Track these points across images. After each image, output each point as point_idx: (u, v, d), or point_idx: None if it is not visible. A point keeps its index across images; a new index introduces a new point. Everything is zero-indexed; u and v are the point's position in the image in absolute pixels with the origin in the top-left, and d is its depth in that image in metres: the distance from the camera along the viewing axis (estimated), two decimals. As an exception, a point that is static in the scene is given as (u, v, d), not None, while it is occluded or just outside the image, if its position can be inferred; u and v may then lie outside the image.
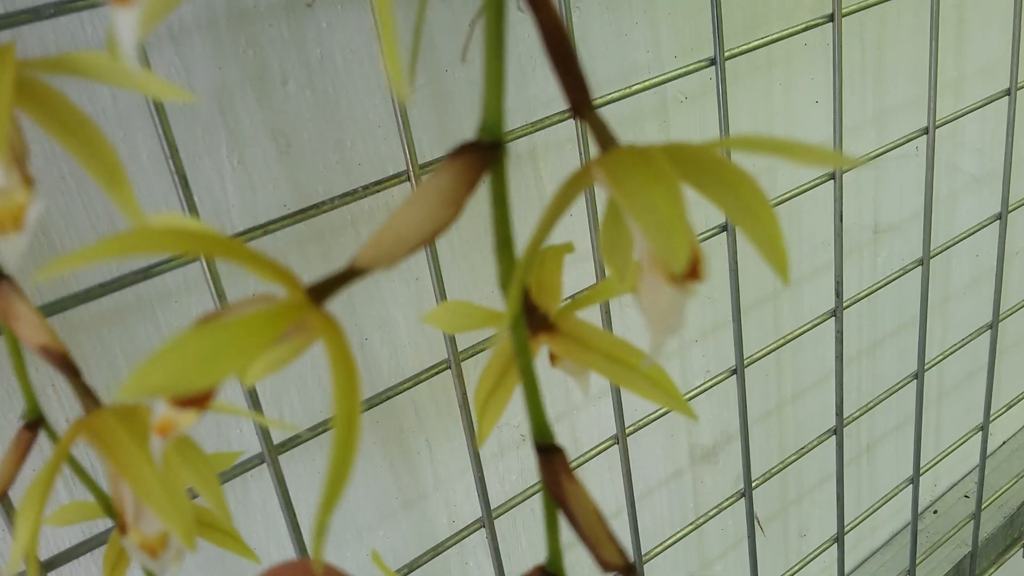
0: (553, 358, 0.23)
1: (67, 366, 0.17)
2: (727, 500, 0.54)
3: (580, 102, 0.15)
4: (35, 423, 0.19)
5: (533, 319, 0.21)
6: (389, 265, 0.14)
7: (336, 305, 0.40)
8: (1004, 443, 0.86)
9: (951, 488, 0.82)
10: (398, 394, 0.38)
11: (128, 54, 0.10)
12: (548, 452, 0.18)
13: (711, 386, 0.50)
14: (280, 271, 0.13)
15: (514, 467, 0.50)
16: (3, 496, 0.19)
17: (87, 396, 0.17)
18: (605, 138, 0.15)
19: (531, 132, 0.38)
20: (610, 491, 0.55)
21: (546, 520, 0.19)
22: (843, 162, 0.13)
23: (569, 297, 0.23)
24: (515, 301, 0.15)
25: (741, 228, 0.14)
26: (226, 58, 0.34)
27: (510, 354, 0.22)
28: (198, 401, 0.13)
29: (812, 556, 0.63)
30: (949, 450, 0.69)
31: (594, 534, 0.17)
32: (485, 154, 0.14)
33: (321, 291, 0.14)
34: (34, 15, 0.26)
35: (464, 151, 0.14)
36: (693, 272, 0.14)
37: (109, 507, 0.23)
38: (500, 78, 0.14)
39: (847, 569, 0.75)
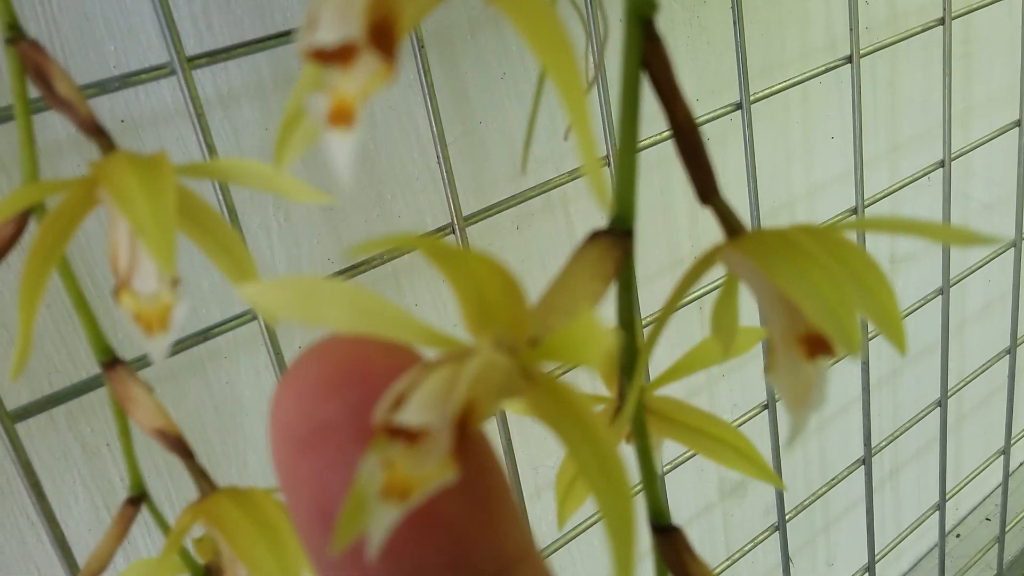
0: (628, 435, 0.23)
1: (182, 449, 0.17)
2: (761, 534, 0.54)
3: (708, 190, 0.16)
4: (138, 499, 0.19)
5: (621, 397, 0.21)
6: (548, 332, 0.14)
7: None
8: (1022, 464, 0.86)
9: (972, 511, 0.82)
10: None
11: (345, 177, 0.10)
12: (666, 532, 0.18)
13: (743, 422, 0.50)
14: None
15: (551, 508, 0.50)
16: (102, 572, 0.19)
17: (202, 478, 0.18)
18: (734, 224, 0.16)
19: (567, 182, 0.39)
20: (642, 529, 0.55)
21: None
22: (979, 240, 0.14)
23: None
24: (638, 386, 0.15)
25: (860, 305, 0.15)
26: (272, 119, 0.35)
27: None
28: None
29: (843, 587, 0.63)
30: (973, 474, 0.69)
31: None
32: (620, 239, 0.15)
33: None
34: (101, 89, 0.27)
35: (599, 236, 0.15)
36: (828, 348, 0.15)
37: (199, 573, 0.23)
38: (633, 169, 0.14)
39: (875, 597, 0.75)
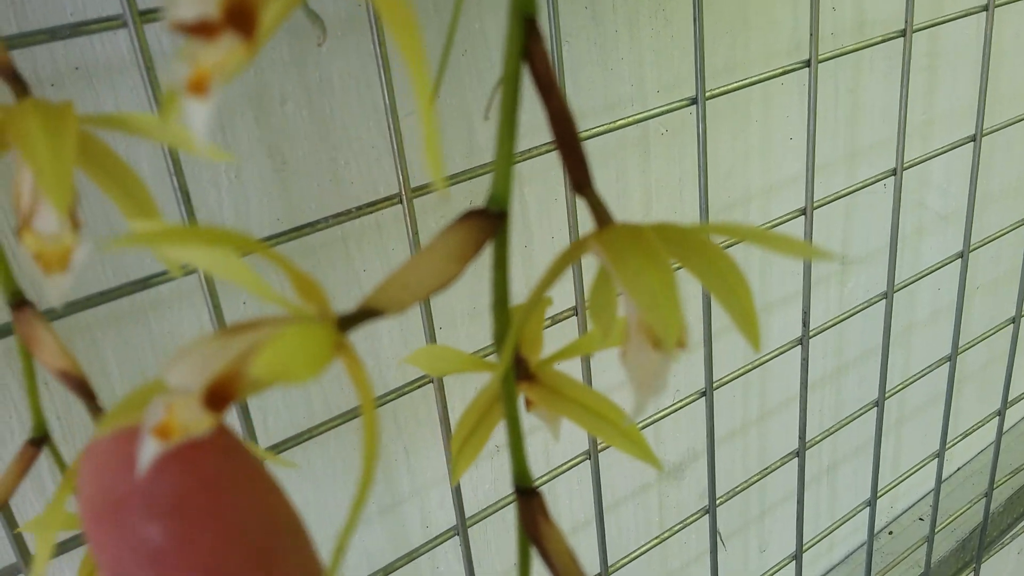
0: (528, 404, 0.24)
1: (84, 391, 0.18)
2: (692, 516, 0.56)
3: (582, 181, 0.17)
4: (40, 440, 0.20)
5: (516, 368, 0.22)
6: (398, 310, 0.16)
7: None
8: (959, 469, 0.89)
9: (906, 511, 0.85)
10: (381, 406, 0.40)
11: (201, 141, 0.11)
12: (527, 495, 0.19)
13: (681, 407, 0.52)
14: (321, 296, 0.15)
15: (487, 476, 0.52)
16: (3, 506, 0.20)
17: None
18: (602, 215, 0.17)
19: (520, 161, 0.40)
20: (579, 503, 0.57)
21: (519, 560, 0.20)
22: (812, 253, 0.15)
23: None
24: (508, 357, 0.17)
25: (719, 300, 0.16)
26: (229, 78, 0.36)
27: (490, 399, 0.23)
28: (224, 401, 0.14)
29: (771, 571, 0.65)
30: (906, 475, 0.72)
31: (566, 571, 0.19)
32: (492, 221, 0.16)
33: (345, 323, 0.15)
34: (51, 35, 0.28)
35: (472, 216, 0.16)
36: (679, 341, 0.16)
37: None
38: (511, 155, 0.15)
39: (804, 586, 0.78)
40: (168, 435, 0.14)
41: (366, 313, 0.16)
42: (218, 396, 0.14)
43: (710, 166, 0.55)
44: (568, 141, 0.16)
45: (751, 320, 0.17)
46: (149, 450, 0.14)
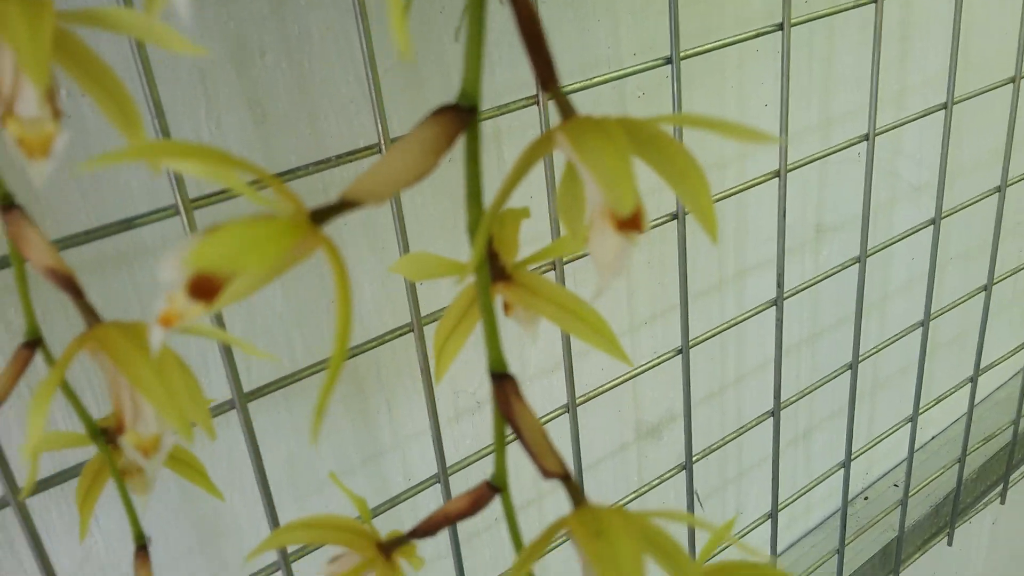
0: (507, 307, 0.26)
1: (71, 286, 0.19)
2: (669, 472, 0.57)
3: (547, 78, 0.18)
4: (33, 343, 0.21)
5: (493, 269, 0.24)
6: (375, 202, 0.17)
7: (307, 269, 0.43)
8: (933, 438, 0.92)
9: (882, 477, 0.88)
10: (362, 352, 0.41)
11: (184, 18, 0.12)
12: (501, 379, 0.21)
13: (658, 363, 0.54)
14: (288, 193, 0.16)
15: (469, 432, 0.53)
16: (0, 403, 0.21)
17: (90, 314, 0.20)
18: (567, 109, 0.18)
19: (497, 115, 0.41)
20: (559, 461, 0.58)
21: (495, 439, 0.22)
22: (763, 139, 0.16)
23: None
24: (481, 246, 0.18)
25: (676, 191, 0.17)
26: (208, 29, 0.36)
27: (469, 300, 0.25)
28: (209, 293, 0.15)
29: (747, 531, 0.67)
30: (880, 437, 0.74)
31: (538, 447, 0.20)
32: (463, 115, 0.17)
33: (320, 216, 0.17)
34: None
35: (444, 112, 0.17)
36: (636, 224, 0.17)
37: (93, 429, 0.25)
38: (479, 52, 0.17)
39: (780, 548, 0.80)
40: (169, 323, 0.15)
41: (343, 205, 0.18)
42: (202, 288, 0.16)
43: (685, 130, 0.56)
44: (535, 42, 0.17)
45: (707, 211, 0.18)
46: (157, 336, 0.15)
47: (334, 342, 0.17)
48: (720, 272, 0.63)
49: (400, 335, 0.41)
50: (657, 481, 0.57)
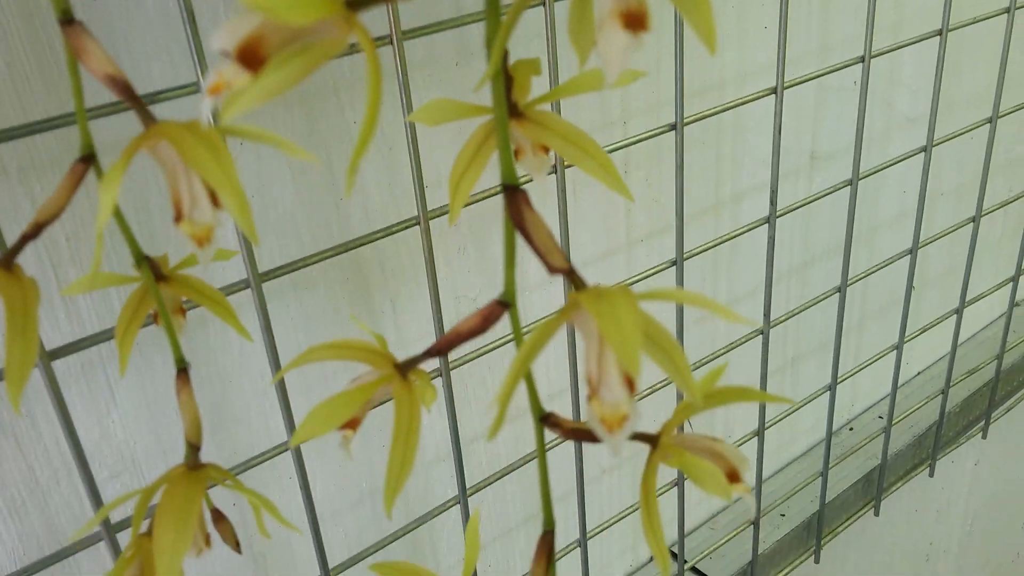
0: (518, 153, 0.27)
1: (128, 92, 0.21)
2: (660, 382, 0.60)
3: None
4: (88, 157, 0.23)
5: (507, 106, 0.25)
6: None
7: (315, 168, 0.44)
8: (919, 373, 0.94)
9: (866, 410, 0.90)
10: (370, 242, 0.42)
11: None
12: (513, 191, 0.22)
13: (653, 274, 0.55)
14: None
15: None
16: (55, 219, 0.23)
17: (147, 116, 0.21)
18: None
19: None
20: (555, 370, 0.60)
21: (505, 252, 0.23)
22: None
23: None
24: (498, 54, 0.19)
25: (682, 10, 0.19)
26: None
27: (483, 136, 0.26)
28: (255, 62, 0.17)
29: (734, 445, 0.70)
30: (867, 363, 0.76)
31: (546, 248, 0.22)
32: None
33: (358, 2, 0.18)
34: None
35: None
36: (642, 22, 0.19)
37: (139, 254, 0.27)
38: None
39: (766, 473, 0.83)
40: (217, 91, 0.17)
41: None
42: (250, 55, 0.17)
43: (686, 50, 0.57)
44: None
45: (707, 20, 0.19)
46: (206, 106, 0.18)
47: (366, 110, 0.18)
48: (716, 194, 0.65)
49: (407, 227, 0.43)
50: (649, 391, 0.60)
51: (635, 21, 0.18)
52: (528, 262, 0.56)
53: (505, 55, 0.24)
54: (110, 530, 0.37)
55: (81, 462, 0.35)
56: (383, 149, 0.46)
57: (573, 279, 0.22)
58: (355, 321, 0.28)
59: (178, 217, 0.20)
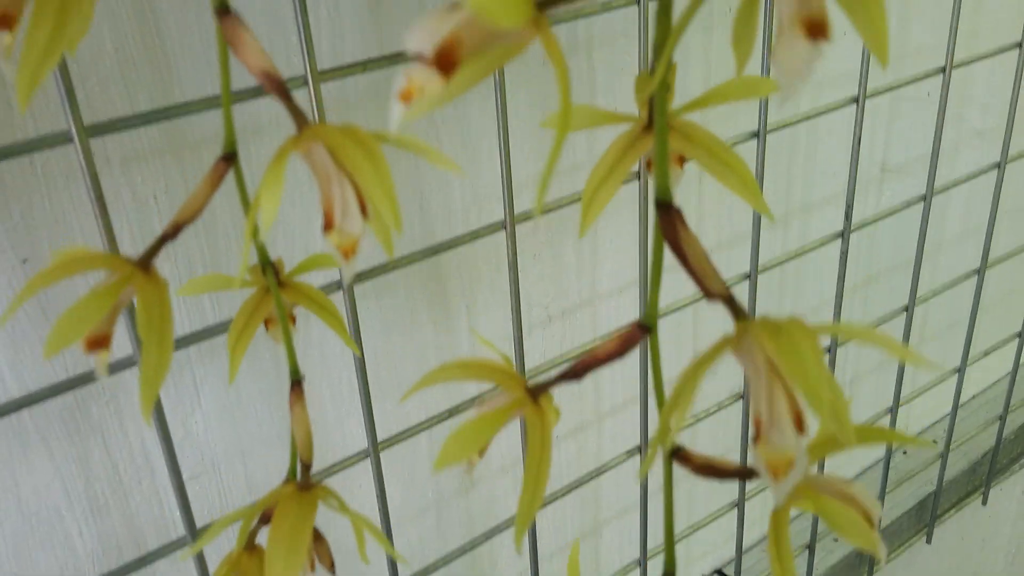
0: (649, 163, 0.26)
1: (282, 90, 0.20)
2: (726, 400, 0.58)
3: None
4: (230, 156, 0.22)
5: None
6: None
7: (400, 163, 0.43)
8: (974, 397, 0.92)
9: (922, 432, 0.88)
10: (456, 246, 0.41)
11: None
12: (667, 208, 0.21)
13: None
14: None
15: (538, 347, 0.54)
16: (194, 218, 0.22)
17: (300, 117, 0.20)
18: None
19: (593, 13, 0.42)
20: (620, 383, 0.59)
21: (652, 270, 0.22)
22: None
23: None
24: (664, 61, 0.18)
25: (851, 17, 0.18)
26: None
27: (624, 147, 0.25)
28: (450, 66, 0.16)
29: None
30: (927, 387, 0.74)
31: (703, 271, 0.21)
32: None
33: (546, 2, 0.17)
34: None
35: None
36: (823, 31, 0.18)
37: (265, 257, 0.26)
38: None
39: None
40: (408, 98, 0.17)
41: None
42: (446, 58, 0.16)
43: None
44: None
45: (881, 37, 0.19)
46: (396, 111, 0.17)
47: (559, 118, 0.17)
48: (786, 205, 0.63)
49: (493, 232, 0.42)
50: (716, 408, 0.58)
51: (817, 29, 0.17)
52: (600, 268, 0.55)
53: (670, 64, 0.23)
54: (195, 536, 0.36)
55: (172, 463, 0.34)
56: (468, 148, 0.46)
57: (732, 307, 0.21)
58: (482, 341, 0.28)
59: (328, 226, 0.19)
